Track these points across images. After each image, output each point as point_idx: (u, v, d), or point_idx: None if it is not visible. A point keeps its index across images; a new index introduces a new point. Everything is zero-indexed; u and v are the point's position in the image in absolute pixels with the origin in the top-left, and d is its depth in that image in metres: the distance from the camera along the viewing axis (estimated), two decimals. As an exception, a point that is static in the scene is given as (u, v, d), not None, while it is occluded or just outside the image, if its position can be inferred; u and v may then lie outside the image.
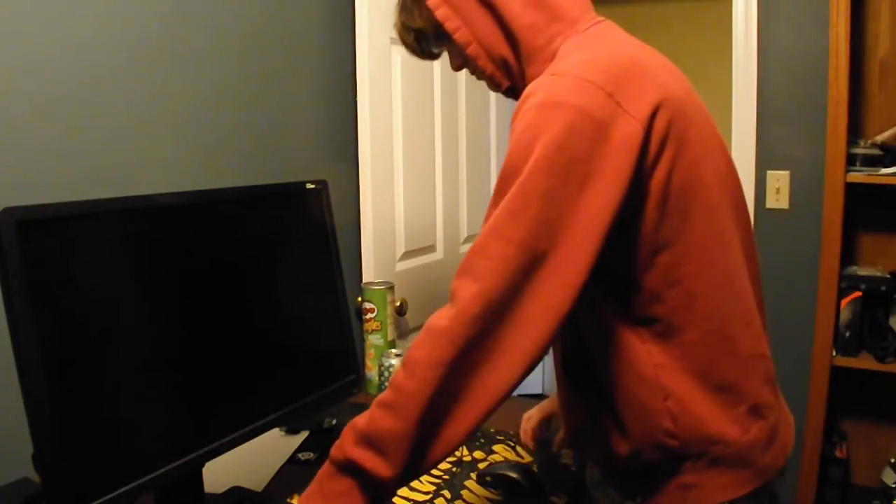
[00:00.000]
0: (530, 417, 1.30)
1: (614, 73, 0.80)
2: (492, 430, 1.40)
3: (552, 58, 0.89)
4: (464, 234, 2.30)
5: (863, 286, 1.94)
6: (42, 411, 0.79)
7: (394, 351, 1.66)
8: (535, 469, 1.23)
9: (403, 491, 1.16)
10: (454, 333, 0.77)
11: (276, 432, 1.43)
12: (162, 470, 0.93)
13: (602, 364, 0.90)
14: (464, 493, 1.16)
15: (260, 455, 1.32)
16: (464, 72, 1.01)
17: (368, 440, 0.79)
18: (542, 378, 3.43)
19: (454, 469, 1.25)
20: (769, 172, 2.15)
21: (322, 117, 1.96)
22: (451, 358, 0.77)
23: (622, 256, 0.85)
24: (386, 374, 1.63)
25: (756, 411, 0.90)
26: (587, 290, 0.79)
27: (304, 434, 1.42)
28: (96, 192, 1.33)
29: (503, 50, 0.93)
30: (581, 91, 0.78)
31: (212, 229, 1.05)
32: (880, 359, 1.93)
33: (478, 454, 1.31)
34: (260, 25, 1.72)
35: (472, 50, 0.93)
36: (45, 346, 0.80)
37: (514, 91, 0.96)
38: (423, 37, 0.99)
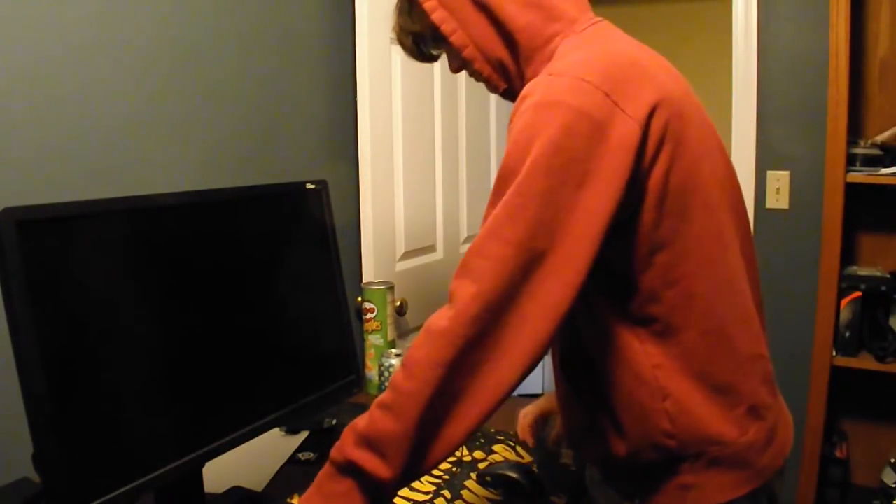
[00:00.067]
0: (527, 414, 1.30)
1: (612, 72, 0.80)
2: (492, 430, 1.40)
3: (550, 58, 0.89)
4: (464, 234, 2.30)
5: (863, 286, 1.94)
6: (42, 411, 0.79)
7: (394, 351, 1.66)
8: (535, 469, 1.23)
9: (403, 491, 1.16)
10: (453, 334, 0.77)
11: (276, 432, 1.43)
12: (162, 470, 0.93)
13: (600, 364, 0.90)
14: (464, 493, 1.16)
15: (260, 455, 1.32)
16: (464, 72, 1.01)
17: (368, 441, 0.79)
18: (542, 378, 3.43)
19: (454, 469, 1.25)
20: (769, 172, 2.16)
21: (322, 117, 1.96)
22: (451, 358, 0.77)
23: (621, 256, 0.85)
24: (386, 374, 1.63)
25: (754, 412, 0.90)
26: (586, 290, 0.79)
27: (304, 434, 1.42)
28: (96, 192, 1.33)
29: (500, 52, 0.93)
30: (578, 91, 0.78)
31: (212, 229, 1.05)
32: (880, 359, 1.93)
33: (478, 454, 1.31)
34: (260, 25, 1.72)
35: (469, 53, 0.93)
36: (45, 346, 0.80)
37: (511, 93, 0.96)
38: (420, 40, 1.00)
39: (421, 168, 2.05)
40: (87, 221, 0.87)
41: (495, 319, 0.77)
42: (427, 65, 1.08)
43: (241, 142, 1.69)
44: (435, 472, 1.24)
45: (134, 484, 0.89)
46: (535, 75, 0.87)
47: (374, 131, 1.85)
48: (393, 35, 1.03)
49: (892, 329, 1.98)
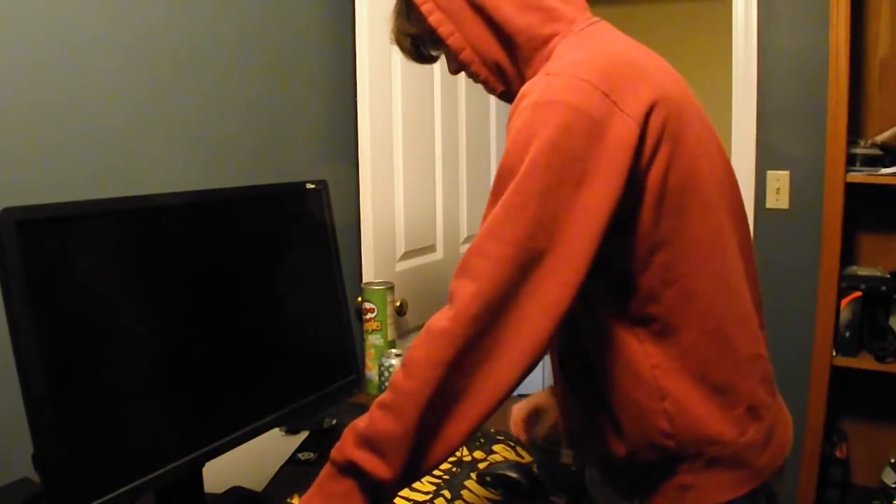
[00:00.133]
0: (521, 409, 1.29)
1: (610, 71, 0.80)
2: (492, 430, 1.41)
3: (549, 58, 0.89)
4: (464, 234, 2.30)
5: (863, 286, 1.94)
6: (42, 411, 0.80)
7: (394, 351, 1.66)
8: (535, 469, 1.23)
9: (403, 491, 1.16)
10: (453, 333, 0.77)
11: (276, 432, 1.43)
12: (162, 470, 0.93)
13: (599, 364, 0.90)
14: (464, 493, 1.16)
15: (260, 455, 1.32)
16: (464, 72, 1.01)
17: (368, 441, 0.79)
18: (542, 378, 3.43)
19: (454, 469, 1.25)
20: (769, 172, 2.16)
21: (322, 117, 1.96)
22: (451, 358, 0.77)
23: (620, 256, 0.85)
24: (386, 374, 1.63)
25: (753, 412, 0.90)
26: (585, 290, 0.79)
27: (304, 434, 1.42)
28: (96, 192, 1.34)
29: (497, 55, 0.93)
30: (576, 90, 0.78)
31: (212, 229, 1.05)
32: (880, 359, 1.93)
33: (478, 454, 1.31)
34: (260, 25, 1.72)
35: (466, 55, 0.93)
36: (45, 346, 0.80)
37: (509, 95, 0.96)
38: (419, 42, 1.00)
39: (421, 168, 2.05)
40: (87, 221, 0.87)
41: (495, 319, 0.77)
42: (427, 65, 1.08)
43: (241, 142, 1.69)
44: (435, 472, 1.24)
45: (134, 484, 0.89)
46: (534, 76, 0.87)
47: (374, 131, 1.85)
48: (392, 36, 1.03)
49: (892, 329, 1.98)
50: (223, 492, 1.15)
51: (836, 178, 1.90)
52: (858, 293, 1.94)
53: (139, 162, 1.43)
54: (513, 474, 1.16)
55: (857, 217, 2.11)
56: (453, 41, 0.93)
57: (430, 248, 2.15)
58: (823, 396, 1.96)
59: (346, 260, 1.97)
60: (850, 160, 1.94)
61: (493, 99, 2.43)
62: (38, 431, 0.80)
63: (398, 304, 1.94)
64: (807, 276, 2.12)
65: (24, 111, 1.21)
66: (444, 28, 0.93)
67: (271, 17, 1.76)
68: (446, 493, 1.16)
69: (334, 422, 1.45)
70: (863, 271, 2.01)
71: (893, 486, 2.01)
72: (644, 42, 0.94)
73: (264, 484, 1.21)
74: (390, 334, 1.73)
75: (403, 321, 2.01)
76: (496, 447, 1.33)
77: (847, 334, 1.96)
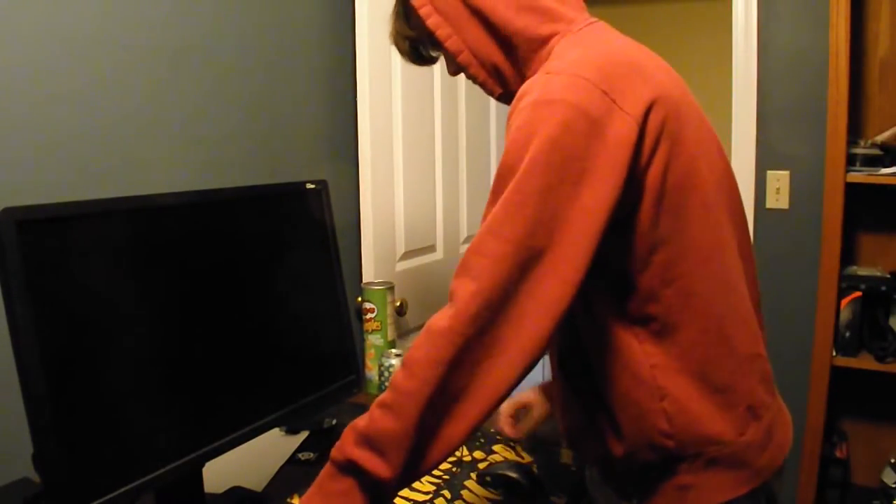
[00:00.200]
0: (507, 405, 1.29)
1: (609, 70, 0.80)
2: (492, 430, 1.40)
3: (548, 57, 0.89)
4: (464, 234, 2.30)
5: (863, 286, 1.94)
6: (42, 411, 0.80)
7: (394, 351, 1.66)
8: (535, 469, 1.23)
9: (403, 491, 1.16)
10: (453, 332, 0.77)
11: (276, 432, 1.43)
12: (162, 470, 0.93)
13: (598, 364, 0.90)
14: (464, 493, 1.16)
15: (260, 455, 1.32)
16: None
17: (368, 440, 0.79)
18: (542, 377, 3.43)
19: (454, 469, 1.25)
20: (769, 172, 2.15)
21: (322, 117, 1.96)
22: (451, 357, 0.77)
23: (619, 255, 0.85)
24: (386, 374, 1.63)
25: (752, 411, 0.90)
26: (584, 290, 0.79)
27: (304, 434, 1.42)
28: (96, 192, 1.34)
29: (495, 57, 0.93)
30: (576, 88, 0.78)
31: (212, 229, 1.05)
32: (880, 359, 1.93)
33: (478, 454, 1.31)
34: (260, 25, 1.72)
35: (464, 58, 0.94)
36: (45, 347, 0.80)
37: (508, 97, 0.96)
38: (418, 44, 1.00)
39: (421, 168, 2.05)
40: (87, 221, 0.87)
41: (494, 318, 0.77)
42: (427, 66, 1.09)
43: (241, 142, 1.69)
44: (435, 472, 1.24)
45: (134, 484, 0.89)
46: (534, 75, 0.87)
47: (374, 131, 1.85)
48: (391, 39, 1.03)
49: (892, 329, 1.98)
50: (223, 492, 1.15)
51: (836, 178, 1.90)
52: (858, 293, 1.94)
53: (139, 162, 1.43)
54: (513, 474, 1.16)
55: (857, 217, 2.11)
56: (451, 44, 0.93)
57: (430, 248, 2.15)
58: (823, 396, 1.96)
59: (346, 260, 1.97)
60: (850, 160, 1.94)
61: (492, 99, 2.43)
62: (38, 431, 0.80)
63: (398, 304, 1.94)
64: (807, 276, 2.12)
65: (24, 111, 1.21)
66: (441, 31, 0.93)
67: (271, 16, 1.76)
68: (446, 493, 1.16)
69: (334, 422, 1.45)
70: (863, 271, 2.01)
71: (893, 486, 2.01)
72: (644, 42, 0.94)
73: (264, 484, 1.21)
74: (390, 334, 1.73)
75: (403, 321, 2.01)
76: (496, 447, 1.33)
77: (847, 334, 1.96)
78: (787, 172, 2.14)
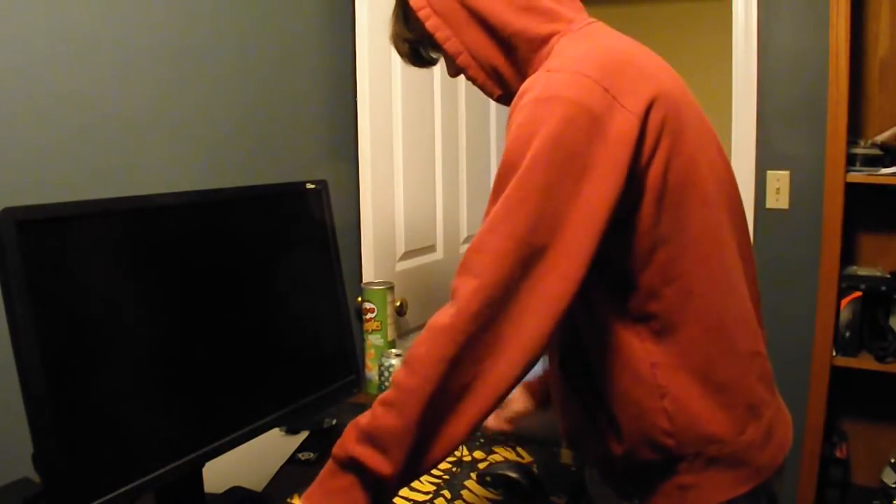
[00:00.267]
0: None
1: (610, 67, 0.80)
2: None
3: (549, 56, 0.89)
4: (464, 233, 2.30)
5: (863, 286, 1.94)
6: (42, 411, 0.80)
7: (394, 351, 1.66)
8: (535, 469, 1.23)
9: (403, 491, 1.16)
10: (455, 329, 0.77)
11: (276, 432, 1.43)
12: (162, 470, 0.93)
13: (599, 363, 0.90)
14: (464, 493, 1.16)
15: (260, 455, 1.32)
16: (463, 73, 1.01)
17: (370, 437, 0.79)
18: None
19: (454, 469, 1.25)
20: (769, 172, 2.16)
21: (322, 117, 1.96)
22: (452, 354, 0.77)
23: (620, 254, 0.85)
24: (386, 374, 1.63)
25: (752, 410, 0.90)
26: (585, 288, 0.79)
27: (304, 434, 1.42)
28: (96, 192, 1.34)
29: (495, 59, 0.93)
30: (577, 85, 0.78)
31: (212, 229, 1.05)
32: (880, 359, 1.93)
33: (478, 454, 1.31)
34: (260, 25, 1.72)
35: (463, 60, 0.94)
36: (45, 347, 0.80)
37: (507, 99, 0.96)
38: (418, 45, 1.00)
39: (421, 168, 2.05)
40: (87, 221, 0.87)
41: (495, 315, 0.77)
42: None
43: (241, 142, 1.69)
44: (435, 471, 1.24)
45: (134, 484, 0.89)
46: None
47: (374, 131, 1.85)
48: (390, 41, 1.03)
49: (892, 329, 1.98)
50: (223, 492, 1.15)
51: (836, 178, 1.90)
52: (858, 293, 1.94)
53: (139, 162, 1.43)
54: (513, 474, 1.16)
55: (857, 217, 2.11)
56: (450, 46, 0.93)
57: (430, 248, 2.15)
58: (823, 396, 1.96)
59: (346, 260, 1.97)
60: (850, 160, 1.94)
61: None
62: (38, 431, 0.80)
63: (398, 304, 1.94)
64: (807, 276, 2.12)
65: (24, 111, 1.21)
66: (440, 33, 0.93)
67: (271, 17, 1.76)
68: (446, 493, 1.16)
69: (334, 422, 1.45)
70: (863, 271, 2.01)
71: (893, 486, 2.01)
72: (644, 42, 0.94)
73: (264, 484, 1.21)
74: (390, 334, 1.73)
75: (403, 321, 2.01)
76: (496, 447, 1.33)
77: (847, 334, 1.96)
78: (787, 172, 2.14)
